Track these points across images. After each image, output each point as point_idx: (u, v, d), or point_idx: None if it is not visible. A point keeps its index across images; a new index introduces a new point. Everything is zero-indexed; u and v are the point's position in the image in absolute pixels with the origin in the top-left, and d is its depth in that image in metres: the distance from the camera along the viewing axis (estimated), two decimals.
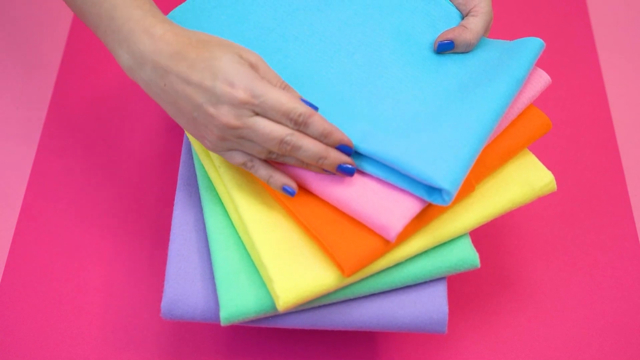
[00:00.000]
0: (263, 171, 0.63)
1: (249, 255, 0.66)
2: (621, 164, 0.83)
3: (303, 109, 0.60)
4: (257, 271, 0.65)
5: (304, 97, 0.64)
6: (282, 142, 0.60)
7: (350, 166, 0.62)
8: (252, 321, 0.65)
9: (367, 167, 0.64)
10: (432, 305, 0.65)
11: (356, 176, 0.64)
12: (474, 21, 0.69)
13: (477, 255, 0.66)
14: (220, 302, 0.64)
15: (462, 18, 0.71)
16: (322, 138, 0.61)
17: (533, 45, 0.68)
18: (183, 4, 0.72)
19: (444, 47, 0.69)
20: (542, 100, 0.88)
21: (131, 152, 0.84)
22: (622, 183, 0.82)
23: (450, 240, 0.66)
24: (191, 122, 0.62)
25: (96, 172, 0.83)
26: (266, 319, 0.65)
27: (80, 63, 0.91)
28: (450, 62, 0.69)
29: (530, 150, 0.84)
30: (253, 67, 0.61)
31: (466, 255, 0.65)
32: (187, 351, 0.72)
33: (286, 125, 0.60)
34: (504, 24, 0.94)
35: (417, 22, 0.71)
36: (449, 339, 0.73)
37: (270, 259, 0.63)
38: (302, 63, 0.68)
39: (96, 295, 0.75)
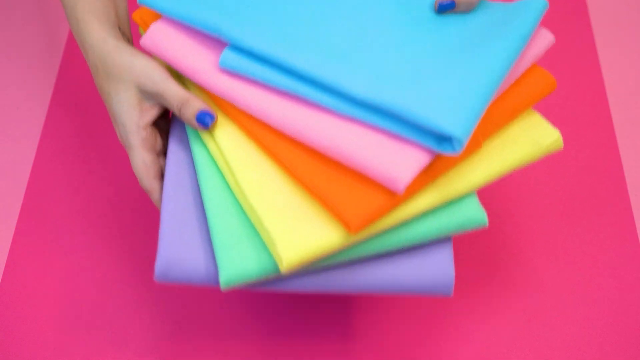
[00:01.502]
0: None
1: (248, 218, 0.64)
2: (621, 163, 0.83)
3: (147, 185, 0.66)
4: (257, 233, 0.62)
5: (204, 110, 0.67)
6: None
7: None
8: (254, 285, 0.63)
9: (373, 119, 0.62)
10: (439, 268, 0.63)
11: (361, 129, 0.62)
12: None
13: (485, 214, 0.64)
14: (219, 266, 0.61)
15: None
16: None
17: (537, 5, 0.67)
18: None
19: (445, 7, 0.68)
20: (542, 100, 0.88)
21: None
22: (622, 183, 0.82)
23: (457, 199, 0.64)
24: None
25: (96, 172, 0.83)
26: (268, 282, 0.63)
27: (80, 63, 0.91)
28: (452, 22, 0.68)
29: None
30: (152, 96, 0.66)
31: (474, 213, 0.64)
32: (183, 349, 0.72)
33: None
34: None
35: None
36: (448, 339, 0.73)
37: (271, 221, 0.61)
38: (302, 25, 0.66)
39: (96, 295, 0.75)
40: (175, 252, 0.62)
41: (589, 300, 0.75)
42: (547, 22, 0.94)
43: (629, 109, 0.87)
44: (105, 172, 0.83)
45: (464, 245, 0.78)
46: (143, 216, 0.80)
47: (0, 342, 0.73)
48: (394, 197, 0.61)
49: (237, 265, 0.61)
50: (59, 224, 0.79)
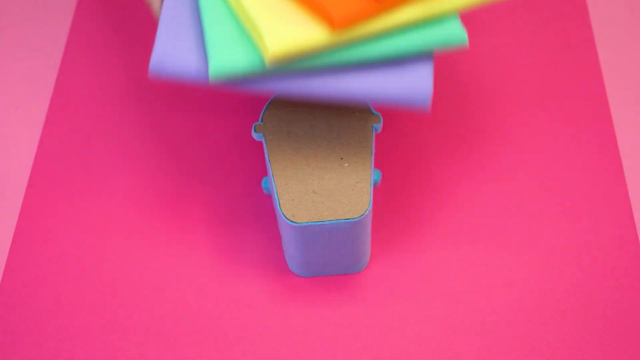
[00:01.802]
0: None
1: (241, 25, 0.68)
2: (621, 163, 0.83)
3: None
4: (248, 36, 0.67)
5: None
6: None
7: None
8: (241, 83, 0.67)
9: None
10: (419, 79, 0.67)
11: None
12: None
13: (466, 33, 0.68)
14: (209, 57, 0.65)
15: None
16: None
17: None
18: None
19: None
20: (542, 100, 0.88)
21: (132, 152, 0.84)
22: (622, 183, 0.82)
23: (440, 19, 0.68)
24: None
25: (96, 172, 0.83)
26: (255, 81, 0.67)
27: (80, 63, 0.91)
28: None
29: (529, 145, 0.84)
30: None
31: (455, 31, 0.68)
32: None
33: None
34: (504, 24, 0.94)
35: None
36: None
37: (260, 17, 0.65)
38: None
39: (96, 295, 0.75)
40: (170, 48, 0.67)
41: (589, 300, 0.75)
42: (547, 22, 0.94)
43: (629, 109, 0.87)
44: (106, 171, 0.83)
45: (465, 244, 0.78)
46: (144, 215, 0.80)
47: (0, 342, 0.73)
48: (378, 1, 0.65)
49: (226, 57, 0.65)
50: (59, 223, 0.79)
